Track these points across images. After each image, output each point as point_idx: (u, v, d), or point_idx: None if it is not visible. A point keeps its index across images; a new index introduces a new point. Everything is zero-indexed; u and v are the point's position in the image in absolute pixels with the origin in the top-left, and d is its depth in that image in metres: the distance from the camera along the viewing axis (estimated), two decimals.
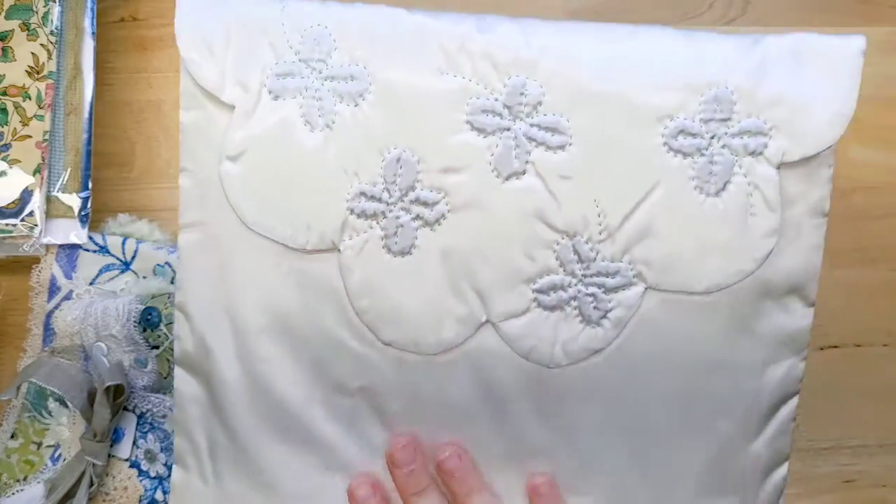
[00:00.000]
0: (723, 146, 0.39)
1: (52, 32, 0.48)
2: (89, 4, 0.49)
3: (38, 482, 0.46)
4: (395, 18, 0.40)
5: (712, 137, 0.39)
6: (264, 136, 0.39)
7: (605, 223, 0.39)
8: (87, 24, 0.49)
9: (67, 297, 0.48)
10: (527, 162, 0.39)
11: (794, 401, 0.42)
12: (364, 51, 0.39)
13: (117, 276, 0.48)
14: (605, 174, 0.39)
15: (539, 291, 0.39)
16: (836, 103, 0.39)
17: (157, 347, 0.45)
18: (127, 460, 0.46)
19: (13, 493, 0.46)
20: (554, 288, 0.39)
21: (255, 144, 0.39)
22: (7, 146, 0.47)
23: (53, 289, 0.48)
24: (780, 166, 0.39)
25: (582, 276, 0.39)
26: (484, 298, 0.39)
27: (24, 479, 0.46)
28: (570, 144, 0.39)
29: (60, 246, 0.48)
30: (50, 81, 0.48)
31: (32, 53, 0.48)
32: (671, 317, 0.39)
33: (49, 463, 0.47)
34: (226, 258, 0.40)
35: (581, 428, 0.40)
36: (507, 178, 0.39)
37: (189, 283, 0.41)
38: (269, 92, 0.40)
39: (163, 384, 0.46)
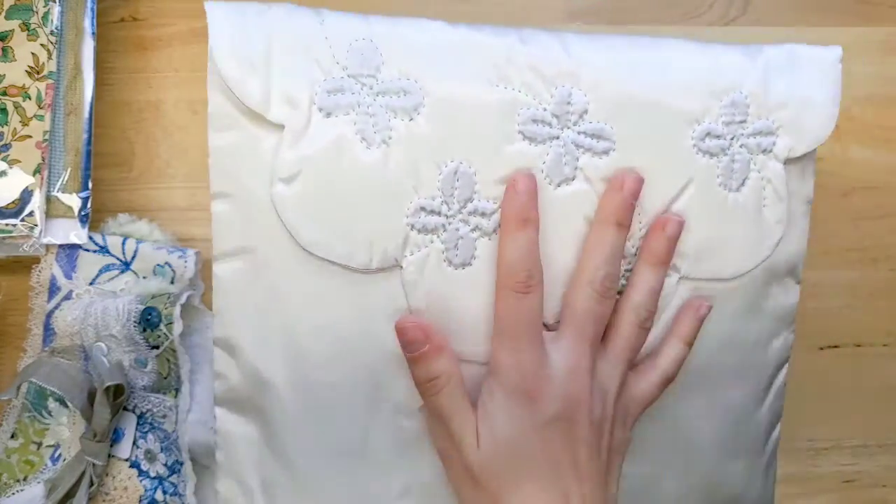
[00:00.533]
0: (741, 146, 0.42)
1: (52, 32, 0.48)
2: (89, 4, 0.49)
3: (38, 482, 0.46)
4: (440, 31, 0.40)
5: (732, 138, 0.42)
6: (320, 156, 0.39)
7: (644, 221, 0.41)
8: (88, 24, 0.49)
9: (67, 297, 0.48)
10: (576, 168, 0.40)
11: (786, 367, 0.46)
12: (413, 64, 0.39)
13: (117, 276, 0.48)
14: (643, 176, 0.41)
15: None
16: (827, 105, 0.43)
17: (156, 347, 0.45)
18: (127, 460, 0.46)
19: (13, 493, 0.46)
20: None
21: (310, 165, 0.39)
22: (7, 146, 0.47)
23: (53, 289, 0.48)
24: (786, 162, 0.43)
25: (625, 271, 0.42)
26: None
27: (24, 479, 0.46)
28: (614, 150, 0.41)
29: (60, 246, 0.48)
30: (50, 81, 0.48)
31: (32, 53, 0.48)
32: None
33: (49, 463, 0.47)
34: (278, 285, 0.39)
35: None
36: (559, 185, 0.40)
37: (233, 315, 0.40)
38: (320, 109, 0.39)
39: (163, 384, 0.46)
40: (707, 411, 0.44)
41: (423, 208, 0.39)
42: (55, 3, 0.48)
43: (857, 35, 0.53)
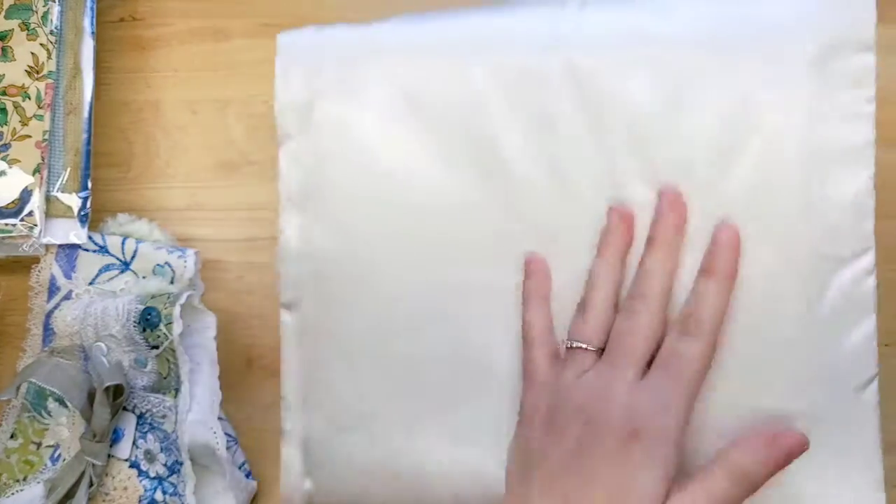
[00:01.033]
0: None
1: (51, 32, 0.48)
2: (89, 4, 0.49)
3: (38, 482, 0.46)
4: None
5: None
6: None
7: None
8: (87, 23, 0.49)
9: (67, 297, 0.48)
10: None
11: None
12: None
13: (117, 275, 0.48)
14: None
15: None
16: None
17: (156, 347, 0.45)
18: (126, 460, 0.46)
19: (13, 494, 0.46)
20: None
21: None
22: (6, 146, 0.47)
23: (53, 289, 0.48)
24: None
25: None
26: None
27: (24, 479, 0.46)
28: None
29: (60, 246, 0.48)
30: (49, 81, 0.48)
31: (32, 53, 0.48)
32: None
33: (48, 463, 0.47)
34: None
35: None
36: None
37: None
38: None
39: (162, 384, 0.46)
40: None
41: None
42: (55, 2, 0.48)
43: None
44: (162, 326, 0.44)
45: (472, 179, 0.41)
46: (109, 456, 0.46)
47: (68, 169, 0.48)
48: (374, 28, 0.43)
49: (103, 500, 0.46)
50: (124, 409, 0.46)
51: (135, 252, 0.48)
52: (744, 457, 0.35)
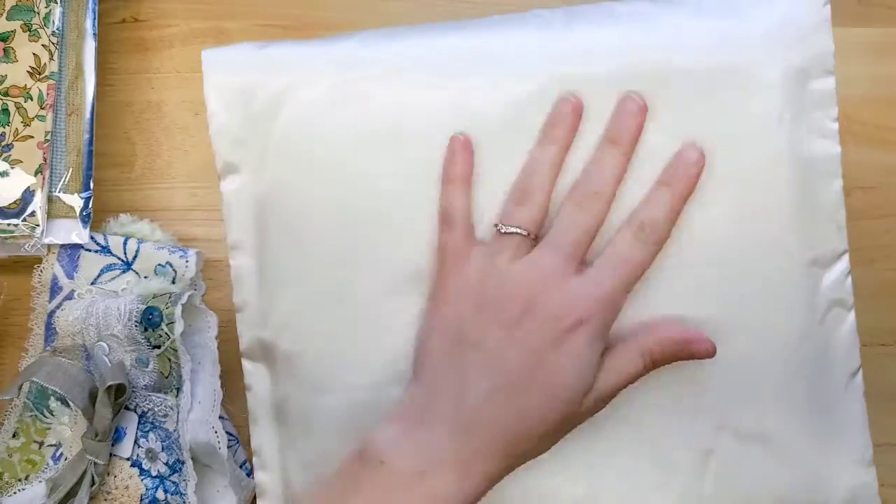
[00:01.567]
0: None
1: (53, 33, 0.48)
2: (91, 5, 0.49)
3: (40, 481, 0.46)
4: None
5: None
6: None
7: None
8: (89, 24, 0.49)
9: (69, 297, 0.48)
10: None
11: None
12: None
13: (119, 275, 0.48)
14: None
15: None
16: None
17: (158, 347, 0.45)
18: (128, 459, 0.46)
19: (15, 493, 0.46)
20: None
21: None
22: (9, 146, 0.47)
23: (55, 288, 0.48)
24: None
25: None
26: None
27: (26, 478, 0.47)
28: None
29: (62, 246, 0.48)
30: (51, 82, 0.48)
31: (34, 54, 0.48)
32: None
33: (50, 462, 0.47)
34: None
35: None
36: None
37: None
38: None
39: (164, 384, 0.46)
40: None
41: None
42: (57, 3, 0.48)
43: (854, 36, 0.53)
44: (163, 326, 0.44)
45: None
46: (111, 455, 0.46)
47: (70, 169, 0.48)
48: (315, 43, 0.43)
49: (105, 499, 0.46)
50: (126, 408, 0.46)
51: (136, 252, 0.48)
52: (654, 345, 0.39)
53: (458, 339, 0.38)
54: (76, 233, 0.48)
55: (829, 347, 0.41)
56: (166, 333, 0.45)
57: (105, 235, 0.48)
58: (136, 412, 0.46)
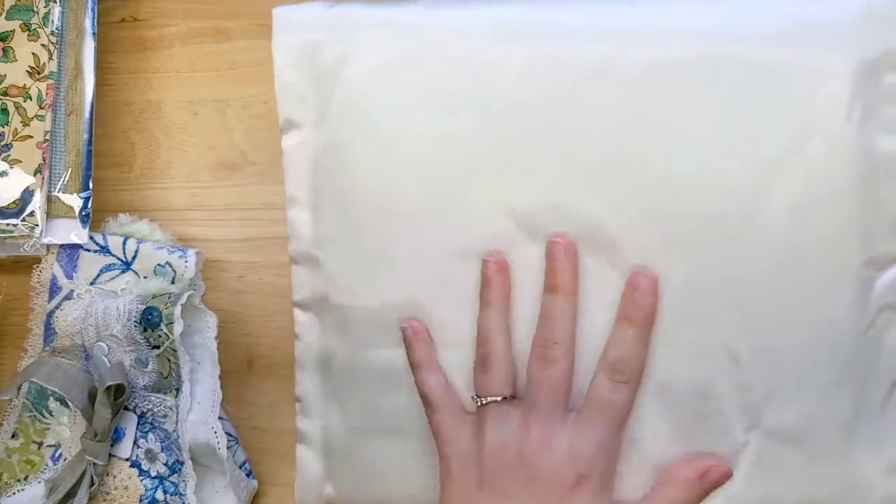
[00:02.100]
0: None
1: (52, 33, 0.48)
2: (90, 5, 0.49)
3: (39, 482, 0.46)
4: None
5: None
6: None
7: None
8: (88, 24, 0.49)
9: (68, 297, 0.48)
10: None
11: None
12: None
13: (118, 275, 0.48)
14: None
15: None
16: None
17: (157, 347, 0.45)
18: (127, 460, 0.46)
19: (14, 493, 0.46)
20: None
21: None
22: (8, 146, 0.47)
23: (54, 289, 0.48)
24: None
25: None
26: None
27: (25, 478, 0.47)
28: None
29: (61, 246, 0.48)
30: (51, 82, 0.48)
31: (33, 54, 0.48)
32: None
33: (50, 462, 0.47)
34: None
35: None
36: None
37: None
38: None
39: (163, 384, 0.46)
40: None
41: None
42: (56, 3, 0.48)
43: None
44: (163, 326, 0.44)
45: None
46: (110, 455, 0.46)
47: (69, 169, 0.48)
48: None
49: (104, 500, 0.46)
50: (125, 408, 0.46)
51: (136, 252, 0.48)
52: (677, 491, 0.38)
53: None
54: (75, 233, 0.47)
55: (876, 352, 0.40)
56: (165, 334, 0.45)
57: (104, 235, 0.48)
58: (135, 412, 0.46)
